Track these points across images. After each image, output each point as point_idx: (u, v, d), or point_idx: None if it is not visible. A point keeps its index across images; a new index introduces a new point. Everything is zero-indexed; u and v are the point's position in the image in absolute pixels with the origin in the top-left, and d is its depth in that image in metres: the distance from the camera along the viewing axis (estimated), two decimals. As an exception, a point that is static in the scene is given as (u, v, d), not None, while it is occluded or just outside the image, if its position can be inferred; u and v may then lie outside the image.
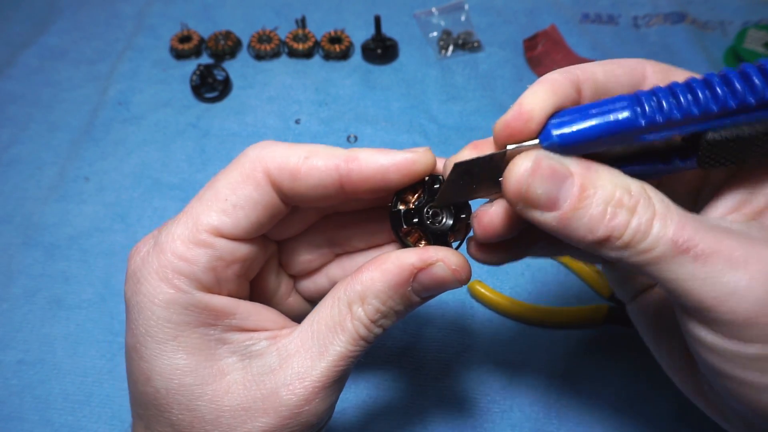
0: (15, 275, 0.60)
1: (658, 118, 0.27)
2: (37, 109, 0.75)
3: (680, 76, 0.31)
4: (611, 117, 0.28)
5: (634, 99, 0.28)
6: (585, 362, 0.53)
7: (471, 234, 0.35)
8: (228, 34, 0.81)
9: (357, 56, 0.81)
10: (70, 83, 0.78)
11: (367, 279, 0.32)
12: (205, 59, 0.81)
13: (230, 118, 0.74)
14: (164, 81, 0.78)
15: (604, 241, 0.27)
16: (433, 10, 0.86)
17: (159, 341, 0.31)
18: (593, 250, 0.28)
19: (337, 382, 0.32)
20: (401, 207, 0.33)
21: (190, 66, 0.78)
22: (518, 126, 0.29)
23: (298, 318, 0.38)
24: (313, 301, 0.42)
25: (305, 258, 0.40)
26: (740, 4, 0.85)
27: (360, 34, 0.82)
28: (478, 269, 0.60)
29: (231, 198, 0.32)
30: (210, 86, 0.76)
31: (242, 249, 0.33)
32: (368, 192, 0.33)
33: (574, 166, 0.28)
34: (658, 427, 0.50)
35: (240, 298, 0.34)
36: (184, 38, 0.81)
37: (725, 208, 0.30)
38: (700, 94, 0.27)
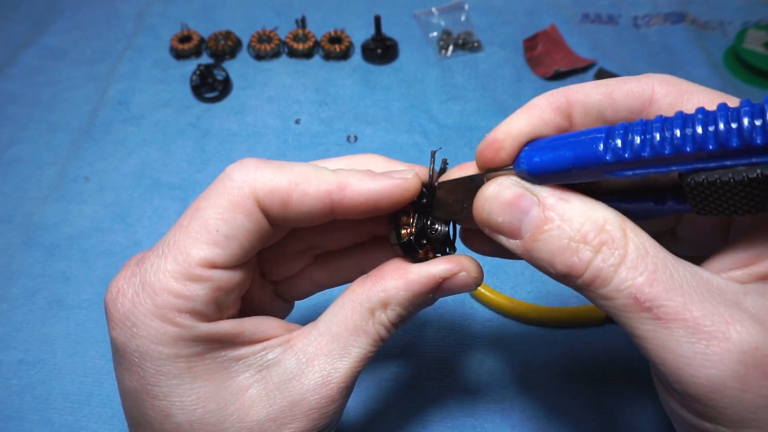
0: (15, 275, 0.60)
1: (626, 154, 0.25)
2: (37, 109, 0.75)
3: (696, 99, 0.28)
4: (578, 149, 0.26)
5: (605, 131, 0.26)
6: (585, 362, 0.53)
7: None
8: (228, 34, 0.81)
9: (357, 56, 0.81)
10: (70, 83, 0.78)
11: (392, 287, 0.33)
12: (205, 59, 0.81)
13: (230, 118, 0.74)
14: (164, 81, 0.78)
15: (566, 276, 0.27)
16: (433, 10, 0.86)
17: (174, 377, 0.30)
18: (560, 282, 0.28)
19: (356, 379, 0.33)
20: (404, 233, 0.34)
21: (190, 66, 0.78)
22: (489, 155, 0.30)
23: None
24: (291, 301, 0.43)
25: (286, 264, 0.40)
26: (740, 4, 0.85)
27: (360, 34, 0.82)
28: (478, 269, 0.60)
29: (222, 228, 0.30)
30: (210, 86, 0.76)
31: (238, 275, 0.32)
32: (358, 215, 0.33)
33: (545, 194, 0.28)
34: (658, 428, 0.50)
35: (238, 316, 0.34)
36: (184, 38, 0.81)
37: (736, 260, 0.27)
38: (677, 132, 0.24)
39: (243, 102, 0.76)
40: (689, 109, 0.26)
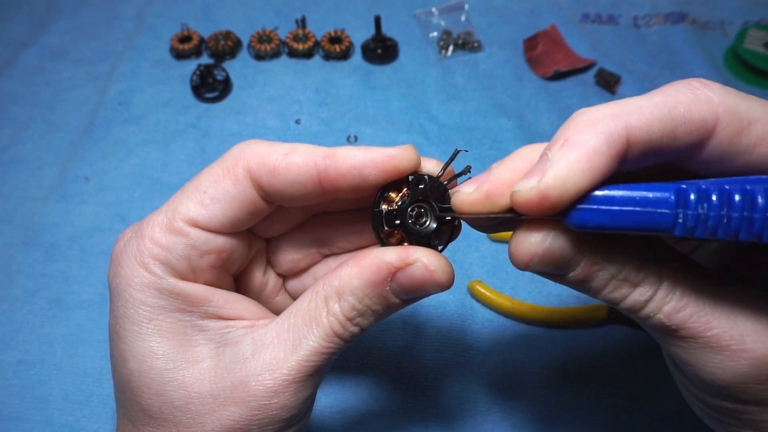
0: (15, 275, 0.60)
1: (699, 232, 0.23)
2: (37, 109, 0.75)
3: (755, 131, 0.26)
4: (645, 215, 0.24)
5: (676, 199, 0.23)
6: (585, 362, 0.53)
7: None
8: (228, 34, 0.81)
9: (357, 56, 0.81)
10: (70, 83, 0.78)
11: (345, 275, 0.31)
12: (205, 59, 0.81)
13: (230, 118, 0.74)
14: (164, 81, 0.78)
15: (608, 302, 0.30)
16: (433, 10, 0.86)
17: (135, 323, 0.32)
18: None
19: (310, 377, 0.32)
20: (384, 207, 0.32)
21: (190, 66, 0.78)
22: (536, 209, 0.26)
23: None
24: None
25: (292, 257, 0.40)
26: (740, 4, 0.85)
27: (360, 34, 0.82)
28: (479, 269, 0.60)
29: (210, 191, 0.32)
30: (210, 86, 0.76)
31: (217, 241, 0.33)
32: (348, 189, 0.32)
33: (590, 249, 0.28)
34: (659, 427, 0.50)
35: (220, 288, 0.35)
36: (184, 38, 0.81)
37: (753, 271, 0.31)
38: (757, 214, 0.22)
39: (243, 102, 0.76)
40: (749, 143, 0.25)
